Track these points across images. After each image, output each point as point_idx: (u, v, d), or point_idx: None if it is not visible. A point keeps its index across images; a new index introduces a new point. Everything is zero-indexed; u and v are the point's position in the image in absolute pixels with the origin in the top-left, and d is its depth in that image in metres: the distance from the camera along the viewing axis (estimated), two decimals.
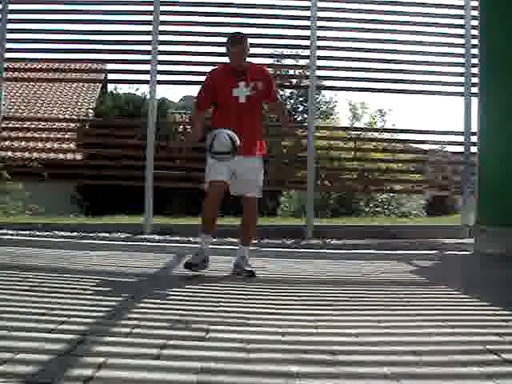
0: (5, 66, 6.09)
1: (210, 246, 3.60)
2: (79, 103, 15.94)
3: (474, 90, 5.83)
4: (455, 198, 10.50)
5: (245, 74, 3.59)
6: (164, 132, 8.27)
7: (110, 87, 16.35)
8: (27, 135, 8.11)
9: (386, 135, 8.44)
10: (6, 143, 7.52)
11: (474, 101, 5.82)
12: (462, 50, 6.23)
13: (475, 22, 5.83)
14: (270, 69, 9.14)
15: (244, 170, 3.55)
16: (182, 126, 11.95)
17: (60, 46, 6.26)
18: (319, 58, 6.15)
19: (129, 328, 2.06)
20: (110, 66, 7.63)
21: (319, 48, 6.14)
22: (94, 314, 2.26)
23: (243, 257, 3.56)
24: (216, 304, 2.56)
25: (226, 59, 3.71)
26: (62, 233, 5.52)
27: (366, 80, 6.33)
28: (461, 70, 6.24)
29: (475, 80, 5.76)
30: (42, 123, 10.63)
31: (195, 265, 3.40)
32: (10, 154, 7.45)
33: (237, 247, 3.72)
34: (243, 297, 2.78)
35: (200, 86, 3.74)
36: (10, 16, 6.07)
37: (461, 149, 6.28)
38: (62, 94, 16.40)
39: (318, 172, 6.67)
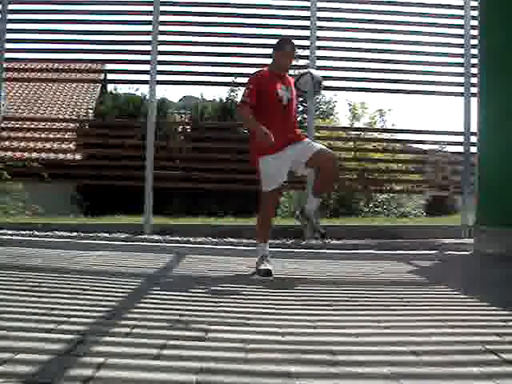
0: (5, 66, 6.09)
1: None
2: (79, 103, 15.94)
3: (474, 90, 5.84)
4: (455, 198, 10.51)
5: (284, 80, 3.78)
6: (164, 132, 8.28)
7: (110, 87, 16.36)
8: (27, 135, 8.13)
9: (386, 135, 8.44)
10: (6, 143, 7.53)
11: (474, 101, 5.83)
12: (461, 50, 6.24)
13: (475, 22, 5.84)
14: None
15: (303, 148, 3.70)
16: (181, 126, 11.98)
17: (60, 46, 6.26)
18: (319, 58, 6.15)
19: (128, 328, 2.06)
20: (109, 66, 7.62)
21: (319, 48, 6.14)
22: (94, 314, 2.26)
23: (312, 210, 3.75)
24: (216, 304, 2.55)
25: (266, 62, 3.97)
26: (62, 233, 5.52)
27: (366, 80, 6.33)
28: (460, 70, 6.24)
29: (475, 80, 5.75)
30: (42, 123, 10.67)
31: (271, 270, 3.51)
32: (9, 153, 7.45)
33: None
34: (243, 297, 2.78)
35: (245, 87, 3.74)
36: (9, 16, 6.07)
37: (461, 149, 6.29)
38: (62, 94, 16.41)
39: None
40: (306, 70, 3.89)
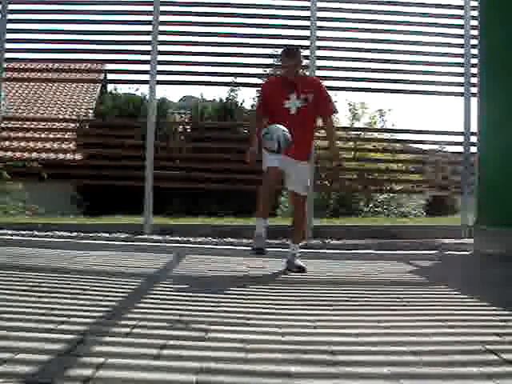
0: (5, 66, 6.10)
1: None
2: (79, 103, 15.94)
3: (474, 90, 5.84)
4: (455, 198, 10.51)
5: (296, 86, 3.71)
6: (164, 132, 8.28)
7: (110, 87, 16.35)
8: (27, 135, 8.14)
9: (386, 135, 8.45)
10: (6, 143, 7.53)
11: (474, 101, 5.83)
12: (461, 50, 6.24)
13: (475, 22, 5.84)
14: (270, 69, 9.14)
15: (295, 172, 3.76)
16: (181, 126, 11.98)
17: (60, 46, 6.27)
18: (319, 58, 6.15)
19: (128, 328, 2.06)
20: (109, 66, 7.62)
21: (319, 48, 6.15)
22: (94, 314, 2.26)
23: (294, 254, 3.81)
24: (216, 304, 2.55)
25: (278, 71, 3.91)
26: (62, 233, 5.52)
27: (366, 80, 6.34)
28: (460, 70, 6.24)
29: (475, 80, 5.76)
30: (42, 123, 10.66)
31: (262, 248, 3.56)
32: (9, 153, 7.45)
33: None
34: (243, 297, 2.78)
35: (257, 95, 3.85)
36: (9, 16, 6.08)
37: (460, 149, 6.29)
38: (62, 94, 16.40)
39: (318, 172, 6.67)
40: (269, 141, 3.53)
